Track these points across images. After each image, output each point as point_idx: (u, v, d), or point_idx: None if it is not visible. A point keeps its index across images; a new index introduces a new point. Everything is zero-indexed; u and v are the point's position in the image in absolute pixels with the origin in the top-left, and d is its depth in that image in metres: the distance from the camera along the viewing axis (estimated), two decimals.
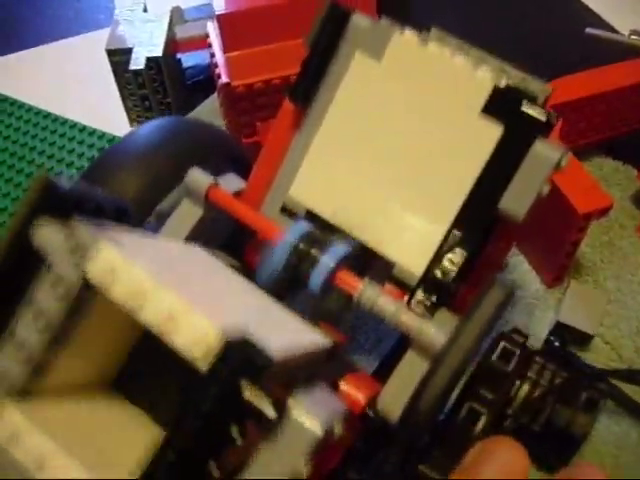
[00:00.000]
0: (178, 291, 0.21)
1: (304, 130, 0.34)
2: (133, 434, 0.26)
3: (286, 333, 0.25)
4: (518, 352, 0.38)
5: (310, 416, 0.20)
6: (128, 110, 0.63)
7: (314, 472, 0.25)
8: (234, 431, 0.20)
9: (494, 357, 0.37)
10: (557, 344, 0.45)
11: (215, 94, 0.64)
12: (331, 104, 0.33)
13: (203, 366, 0.20)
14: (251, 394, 0.20)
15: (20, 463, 0.22)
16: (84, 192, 0.26)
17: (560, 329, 0.45)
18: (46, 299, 0.22)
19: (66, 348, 0.23)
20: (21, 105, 0.70)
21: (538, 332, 0.47)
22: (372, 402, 0.29)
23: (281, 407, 0.20)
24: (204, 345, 0.20)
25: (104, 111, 0.67)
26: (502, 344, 0.39)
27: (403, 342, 0.31)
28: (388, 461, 0.30)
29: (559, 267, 0.49)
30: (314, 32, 0.33)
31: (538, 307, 0.49)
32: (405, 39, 0.32)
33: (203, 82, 0.68)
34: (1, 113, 0.70)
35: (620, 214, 0.54)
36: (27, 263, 0.24)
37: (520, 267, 0.51)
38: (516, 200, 0.30)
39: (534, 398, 0.37)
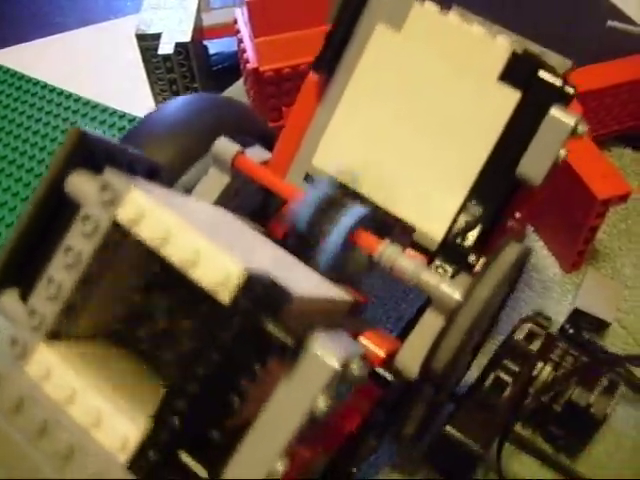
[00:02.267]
0: (204, 234, 0.22)
1: (327, 101, 0.35)
2: (149, 383, 0.26)
3: (308, 282, 0.26)
4: (542, 335, 0.39)
5: (328, 351, 0.21)
6: (155, 94, 0.64)
7: (334, 423, 0.25)
8: (255, 366, 0.21)
9: (519, 337, 0.38)
10: (572, 331, 0.45)
11: (240, 81, 0.65)
12: (353, 75, 0.34)
13: (225, 299, 0.21)
14: (272, 328, 0.20)
15: (51, 398, 0.23)
16: (116, 146, 0.27)
17: (577, 315, 0.46)
18: (77, 241, 0.23)
19: (95, 291, 0.24)
20: (44, 85, 0.72)
21: (555, 315, 0.47)
22: (391, 361, 0.30)
23: (301, 343, 0.21)
24: (227, 279, 0.21)
25: (128, 94, 0.68)
26: (527, 326, 0.39)
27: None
28: (407, 424, 0.31)
29: (577, 253, 0.49)
30: (337, 5, 0.34)
31: (555, 290, 0.49)
32: (425, 9, 0.33)
33: (227, 69, 0.69)
34: (24, 93, 0.71)
35: (638, 203, 0.54)
36: (62, 212, 0.25)
37: (539, 252, 0.52)
38: (534, 165, 0.31)
39: (556, 379, 0.38)
